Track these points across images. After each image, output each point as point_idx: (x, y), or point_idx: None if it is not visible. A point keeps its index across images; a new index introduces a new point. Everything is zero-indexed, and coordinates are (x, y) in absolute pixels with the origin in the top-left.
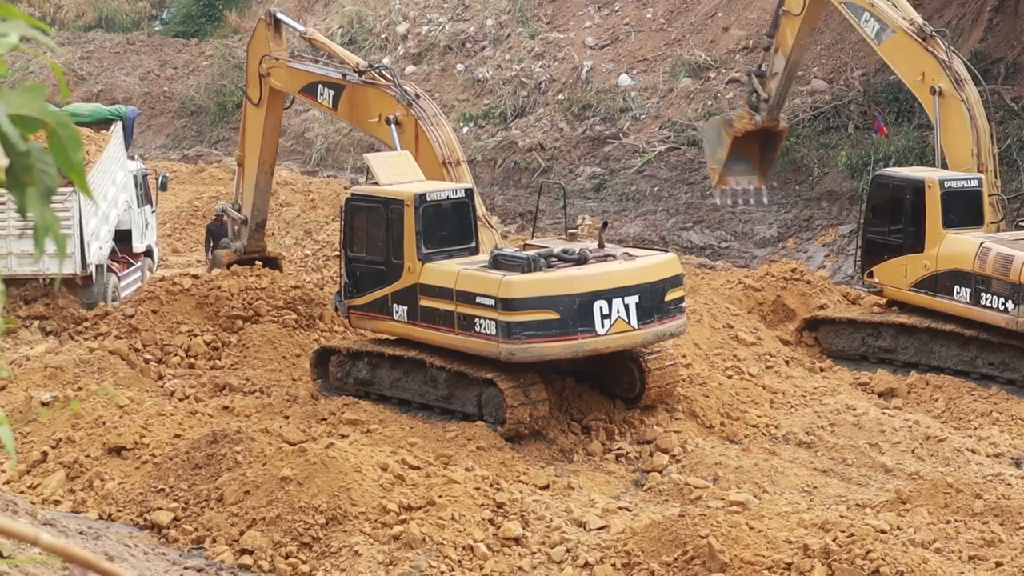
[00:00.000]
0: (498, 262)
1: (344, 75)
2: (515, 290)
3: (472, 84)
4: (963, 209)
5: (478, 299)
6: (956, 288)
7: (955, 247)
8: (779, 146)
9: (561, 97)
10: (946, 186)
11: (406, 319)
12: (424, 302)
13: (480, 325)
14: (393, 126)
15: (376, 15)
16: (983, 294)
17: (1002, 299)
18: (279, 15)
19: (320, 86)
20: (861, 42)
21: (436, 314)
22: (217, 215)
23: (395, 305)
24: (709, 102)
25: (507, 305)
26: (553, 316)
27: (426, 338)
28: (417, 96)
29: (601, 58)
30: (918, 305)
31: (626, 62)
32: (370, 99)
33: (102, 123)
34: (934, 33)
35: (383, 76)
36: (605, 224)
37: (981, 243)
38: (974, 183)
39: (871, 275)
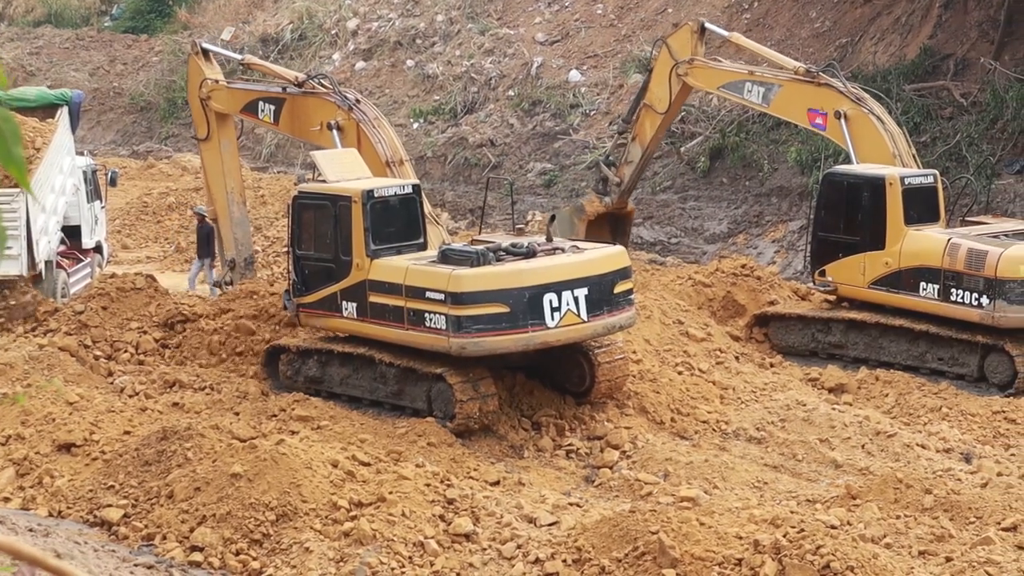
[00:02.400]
0: (447, 256)
1: (284, 88)
2: (465, 284)
3: (422, 80)
4: (921, 205)
5: (428, 294)
6: (922, 285)
7: (920, 243)
8: (629, 228)
9: (511, 93)
10: (906, 183)
11: (355, 316)
12: (373, 298)
13: (430, 320)
14: (335, 132)
15: (326, 11)
16: (953, 290)
17: (975, 294)
18: (205, 44)
19: (261, 102)
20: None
21: (386, 310)
22: (197, 214)
23: (344, 302)
24: None
25: (457, 299)
26: (503, 309)
27: (376, 334)
28: (357, 100)
29: (551, 54)
30: (877, 303)
31: (576, 58)
32: (311, 109)
33: (48, 108)
34: (820, 71)
35: (322, 84)
36: (553, 218)
37: (949, 239)
38: (930, 179)
39: (823, 274)
